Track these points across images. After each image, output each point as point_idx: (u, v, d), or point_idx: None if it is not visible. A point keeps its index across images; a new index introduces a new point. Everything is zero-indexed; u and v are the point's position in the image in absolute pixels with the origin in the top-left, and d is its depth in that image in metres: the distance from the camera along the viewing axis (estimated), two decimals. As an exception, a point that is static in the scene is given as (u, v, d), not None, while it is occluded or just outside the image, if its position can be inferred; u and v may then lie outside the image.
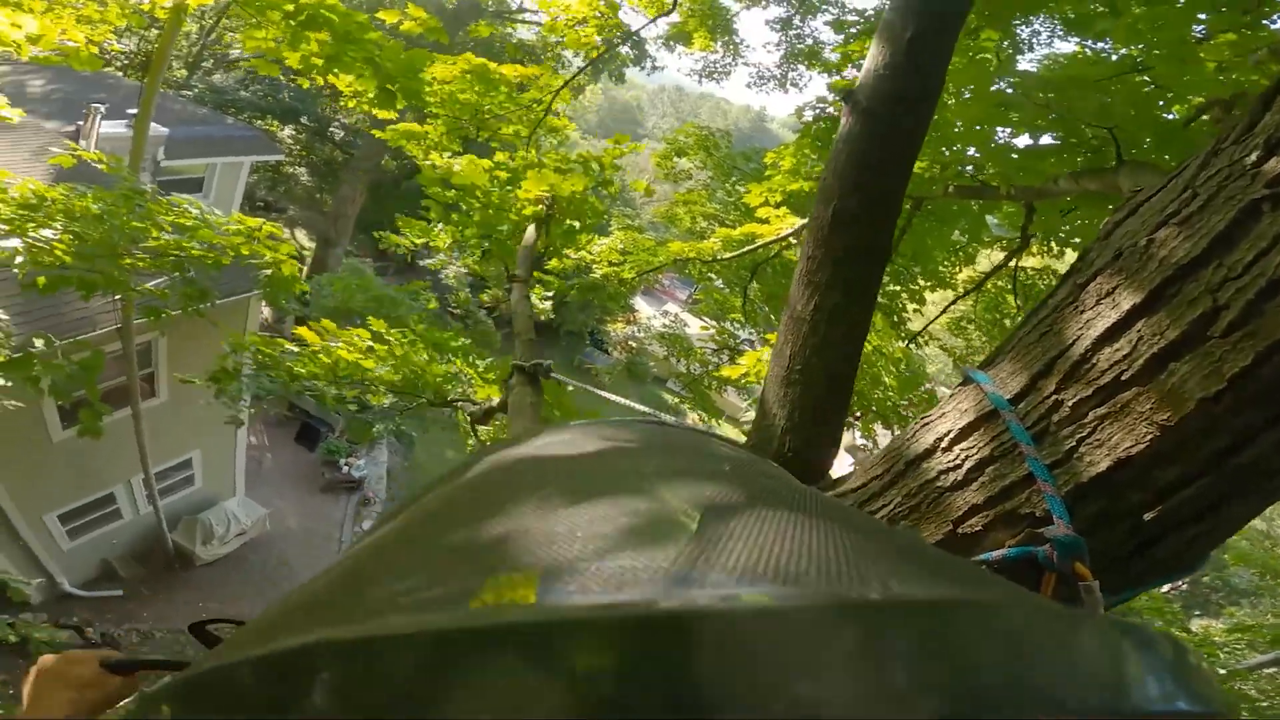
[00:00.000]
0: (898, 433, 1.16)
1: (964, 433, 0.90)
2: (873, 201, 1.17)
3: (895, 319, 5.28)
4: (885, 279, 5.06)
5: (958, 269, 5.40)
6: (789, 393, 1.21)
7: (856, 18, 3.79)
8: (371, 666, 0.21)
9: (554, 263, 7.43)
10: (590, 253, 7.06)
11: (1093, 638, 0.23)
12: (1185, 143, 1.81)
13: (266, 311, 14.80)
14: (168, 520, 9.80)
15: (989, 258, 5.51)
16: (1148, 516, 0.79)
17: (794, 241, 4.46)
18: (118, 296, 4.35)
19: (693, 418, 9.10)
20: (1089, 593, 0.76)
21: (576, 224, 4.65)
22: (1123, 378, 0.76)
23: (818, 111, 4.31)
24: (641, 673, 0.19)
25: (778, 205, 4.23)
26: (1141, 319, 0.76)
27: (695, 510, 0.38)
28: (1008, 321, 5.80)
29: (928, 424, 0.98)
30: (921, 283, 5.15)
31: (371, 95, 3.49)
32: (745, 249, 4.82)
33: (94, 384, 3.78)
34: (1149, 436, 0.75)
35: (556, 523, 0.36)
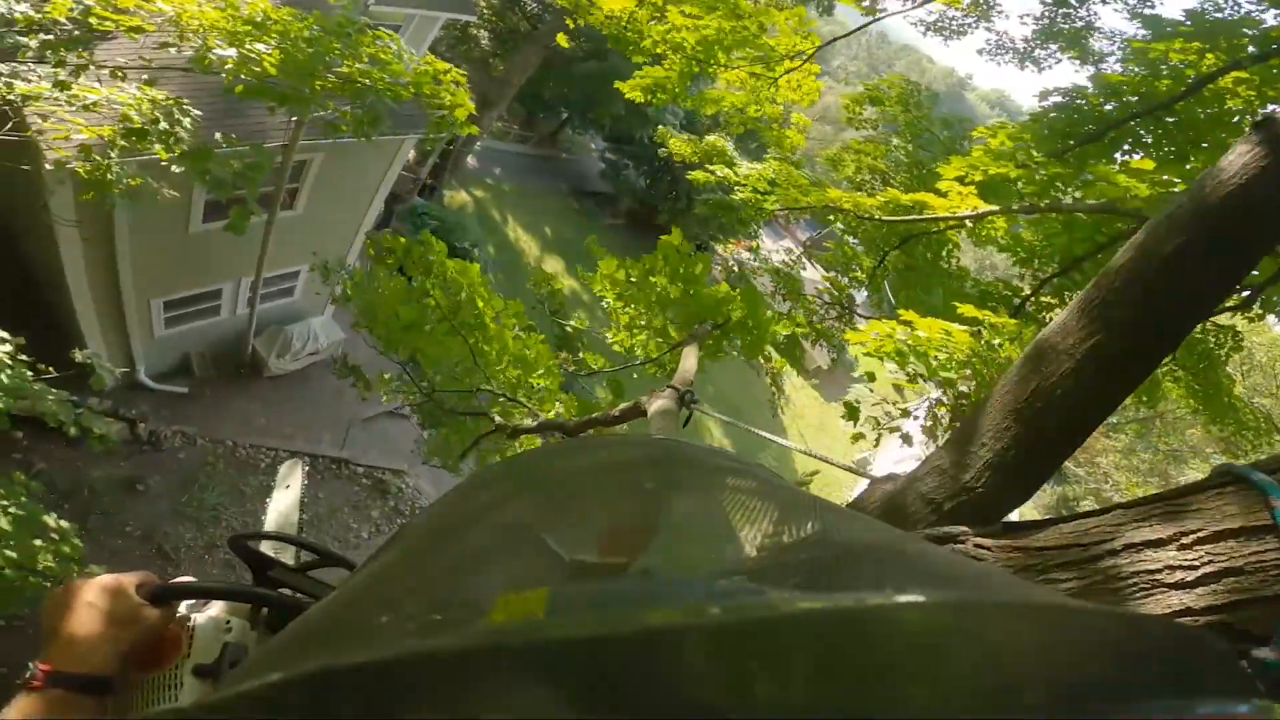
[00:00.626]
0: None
1: (1218, 537, 0.82)
2: (1238, 257, 0.97)
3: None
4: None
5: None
6: (1014, 428, 1.09)
7: (1184, 19, 3.20)
8: (391, 688, 0.21)
9: (697, 174, 7.26)
10: (737, 173, 6.83)
11: (1151, 638, 0.24)
12: None
13: (411, 154, 15.34)
14: (256, 327, 10.31)
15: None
16: None
17: (968, 224, 4.11)
18: (293, 118, 4.57)
19: (773, 358, 8.89)
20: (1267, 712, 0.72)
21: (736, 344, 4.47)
22: None
23: (1066, 100, 3.79)
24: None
25: (969, 184, 3.85)
26: None
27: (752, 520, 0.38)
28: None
29: (1172, 513, 0.90)
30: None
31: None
32: (909, 217, 4.47)
33: (256, 185, 4.01)
34: None
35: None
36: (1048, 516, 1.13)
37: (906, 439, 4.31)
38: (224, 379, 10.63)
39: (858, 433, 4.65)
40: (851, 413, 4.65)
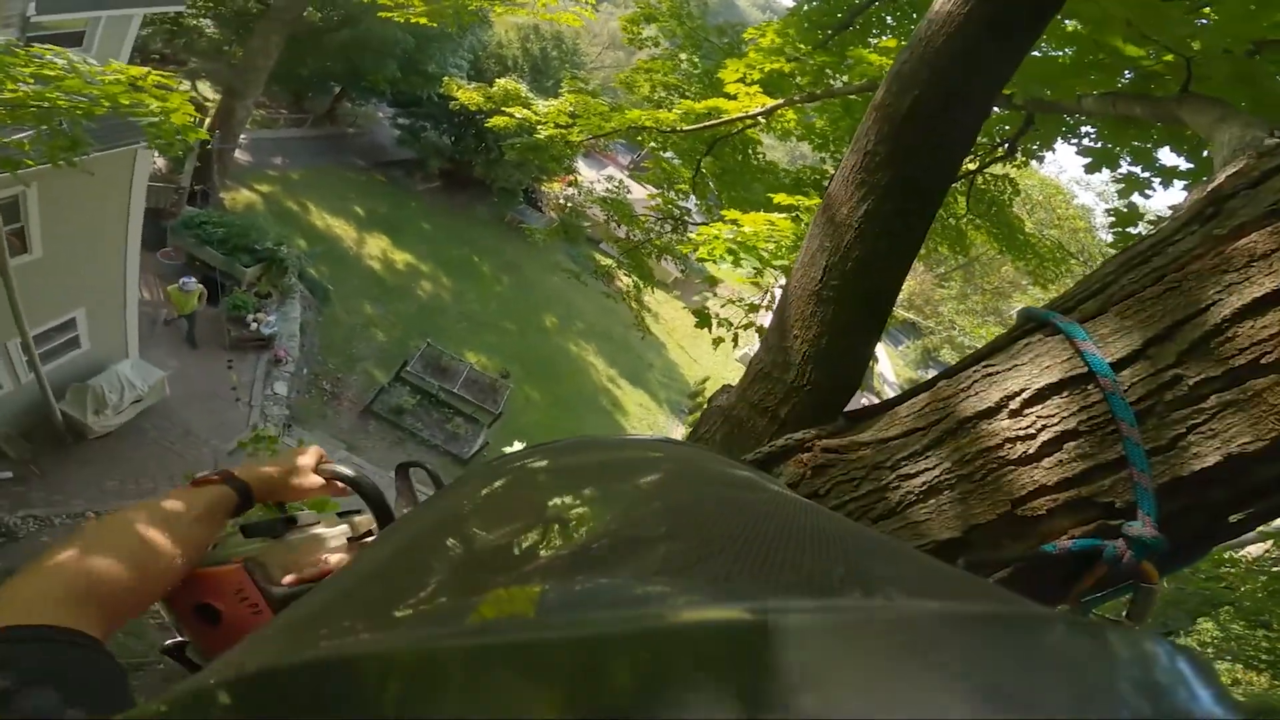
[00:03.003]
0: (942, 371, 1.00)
1: (1042, 395, 0.78)
2: (965, 100, 0.96)
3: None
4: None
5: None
6: (819, 311, 1.04)
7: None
8: (375, 681, 0.20)
9: (496, 120, 6.87)
10: (536, 113, 6.55)
11: (1124, 649, 0.23)
12: (1254, 83, 1.65)
13: (160, 161, 13.23)
14: (54, 389, 8.94)
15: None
16: (1235, 518, 0.72)
17: (761, 121, 4.19)
18: None
19: (626, 281, 8.95)
20: (1147, 595, 0.70)
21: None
22: (1263, 360, 0.64)
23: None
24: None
25: (752, 83, 3.92)
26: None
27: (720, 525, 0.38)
28: (953, 221, 5.79)
29: (991, 375, 0.85)
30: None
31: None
32: (708, 123, 4.49)
33: None
34: (1273, 434, 0.65)
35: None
36: (885, 400, 1.09)
37: (761, 332, 4.43)
38: (46, 452, 9.37)
39: (717, 337, 4.73)
40: (703, 320, 4.69)
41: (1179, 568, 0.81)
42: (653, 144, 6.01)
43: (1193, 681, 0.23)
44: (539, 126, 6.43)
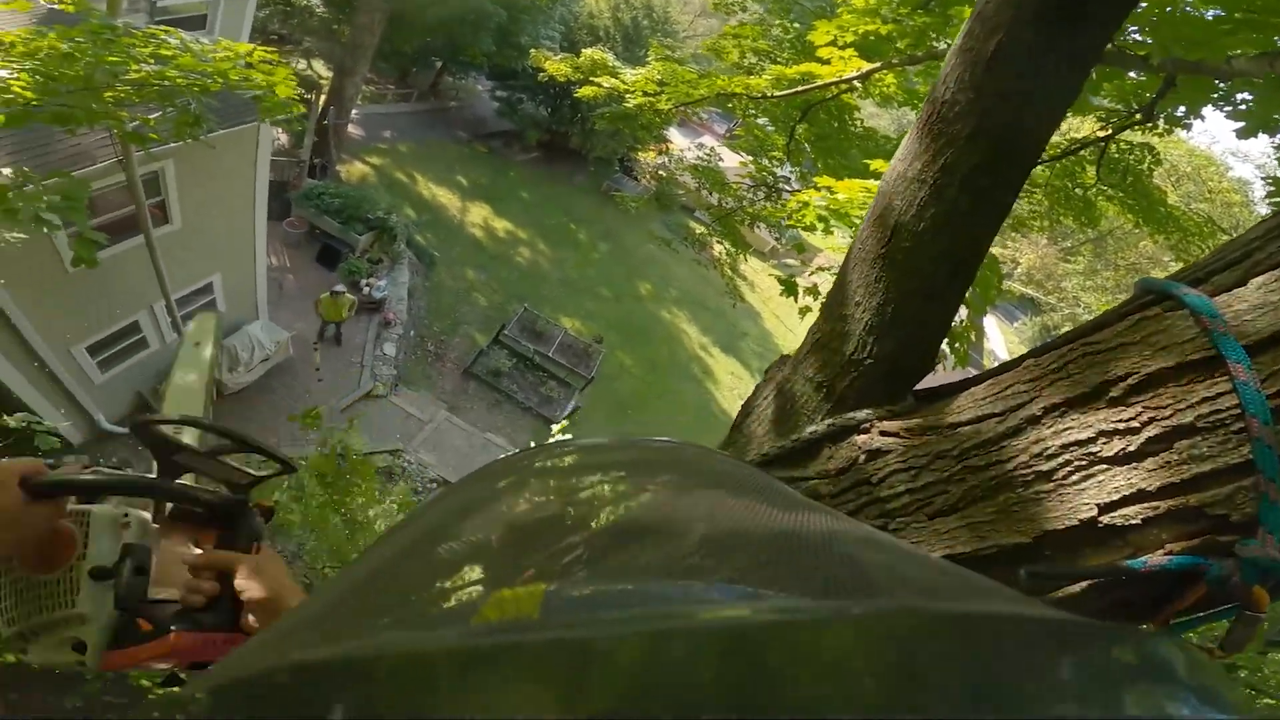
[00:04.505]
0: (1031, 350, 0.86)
1: (1153, 381, 0.64)
2: (1056, 45, 0.80)
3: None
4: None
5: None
6: (885, 276, 0.91)
7: None
8: (381, 683, 0.21)
9: (585, 90, 6.86)
10: (624, 82, 6.49)
11: (1123, 651, 0.23)
12: None
13: (283, 138, 14.17)
14: None
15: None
16: None
17: (857, 86, 3.92)
18: (112, 130, 4.14)
19: (719, 249, 8.83)
20: (1249, 624, 0.57)
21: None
22: None
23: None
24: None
25: (845, 46, 3.66)
26: None
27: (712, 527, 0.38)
28: (1079, 191, 5.25)
29: (1093, 354, 0.71)
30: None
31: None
32: (800, 88, 4.25)
33: (81, 212, 3.67)
34: None
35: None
36: (964, 377, 0.95)
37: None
38: (189, 408, 10.45)
39: (804, 306, 4.56)
40: (789, 288, 4.55)
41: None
42: (748, 110, 5.83)
43: (1196, 685, 0.22)
44: (627, 95, 6.37)
